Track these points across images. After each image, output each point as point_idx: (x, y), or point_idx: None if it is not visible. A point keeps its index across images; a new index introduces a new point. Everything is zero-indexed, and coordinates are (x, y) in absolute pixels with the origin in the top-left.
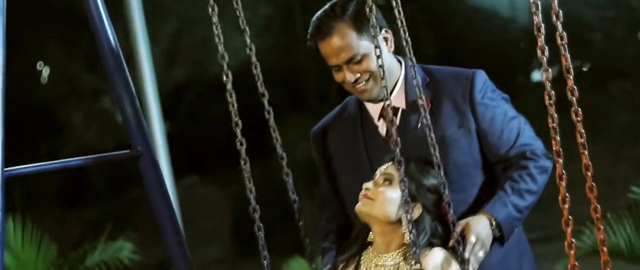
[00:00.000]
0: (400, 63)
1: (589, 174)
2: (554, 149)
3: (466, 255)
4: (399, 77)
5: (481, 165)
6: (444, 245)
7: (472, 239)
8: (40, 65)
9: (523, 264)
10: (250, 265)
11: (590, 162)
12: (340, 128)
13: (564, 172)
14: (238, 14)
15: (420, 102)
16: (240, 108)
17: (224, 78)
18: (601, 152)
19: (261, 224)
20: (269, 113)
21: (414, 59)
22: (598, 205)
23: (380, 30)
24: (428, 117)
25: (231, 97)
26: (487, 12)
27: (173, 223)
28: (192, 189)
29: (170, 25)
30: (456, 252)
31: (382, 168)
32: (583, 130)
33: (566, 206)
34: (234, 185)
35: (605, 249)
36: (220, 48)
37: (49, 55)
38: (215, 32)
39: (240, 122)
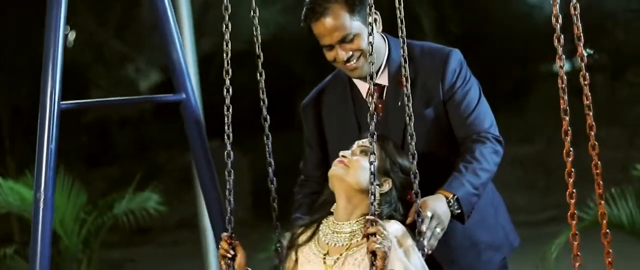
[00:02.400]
0: (385, 41)
1: (593, 133)
2: (563, 128)
3: (423, 228)
4: (384, 56)
5: (451, 142)
6: (403, 224)
7: (428, 214)
8: (66, 29)
9: (498, 217)
10: (268, 228)
11: (596, 143)
12: (332, 99)
13: (571, 149)
14: None
15: (403, 81)
16: (265, 79)
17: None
18: (617, 137)
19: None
20: (261, 75)
21: (405, 39)
22: (601, 182)
23: (370, 9)
24: (409, 93)
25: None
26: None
27: (209, 166)
28: (215, 152)
29: None
30: (415, 226)
31: (360, 141)
32: (589, 93)
33: (571, 180)
34: (255, 152)
35: (605, 221)
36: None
37: (78, 20)
38: None
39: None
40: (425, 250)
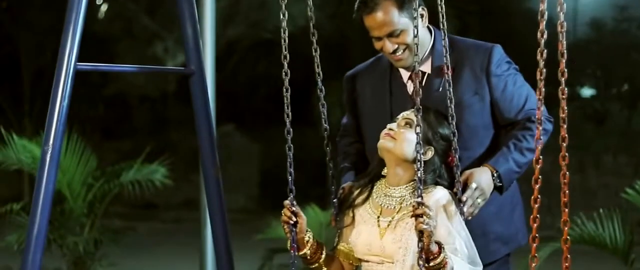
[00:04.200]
0: (431, 33)
1: (564, 144)
2: (535, 137)
3: (464, 197)
4: (428, 47)
5: (489, 129)
6: (449, 189)
7: (473, 185)
8: (99, 0)
9: (514, 214)
10: (270, 219)
11: (566, 134)
12: (370, 77)
13: (541, 157)
14: None
15: (444, 69)
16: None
17: None
18: (624, 164)
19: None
20: (316, 50)
21: (446, 30)
22: (567, 191)
23: (418, 6)
24: (450, 80)
25: None
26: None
27: (211, 140)
28: (228, 137)
29: None
30: (457, 194)
31: (405, 113)
32: (565, 107)
33: (537, 186)
34: (267, 140)
35: (566, 228)
36: None
37: None
38: None
39: None
40: (465, 216)
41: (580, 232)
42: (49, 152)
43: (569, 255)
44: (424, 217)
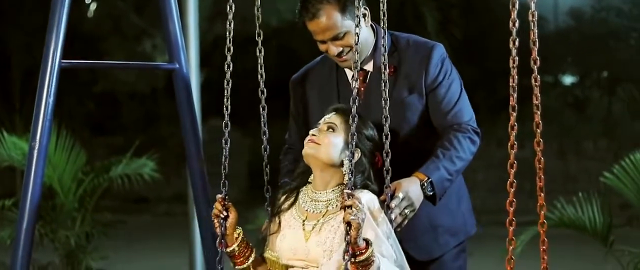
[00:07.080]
0: (374, 31)
1: (539, 130)
2: (510, 123)
3: (392, 204)
4: (371, 45)
5: (429, 126)
6: (378, 196)
7: (400, 195)
8: None
9: (461, 206)
10: (261, 212)
11: (540, 121)
12: (318, 79)
13: (515, 142)
14: None
15: (383, 69)
16: (275, 63)
17: None
18: (604, 150)
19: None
20: (259, 35)
21: (386, 31)
22: (542, 176)
23: (361, 6)
24: (386, 79)
25: None
26: (525, 8)
27: (195, 136)
28: (220, 131)
29: None
30: (385, 202)
31: (326, 117)
32: (539, 94)
33: (513, 171)
34: (257, 134)
35: (543, 212)
36: None
37: None
38: None
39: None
40: (394, 226)
41: (560, 216)
42: (36, 147)
43: (546, 239)
44: (353, 208)
